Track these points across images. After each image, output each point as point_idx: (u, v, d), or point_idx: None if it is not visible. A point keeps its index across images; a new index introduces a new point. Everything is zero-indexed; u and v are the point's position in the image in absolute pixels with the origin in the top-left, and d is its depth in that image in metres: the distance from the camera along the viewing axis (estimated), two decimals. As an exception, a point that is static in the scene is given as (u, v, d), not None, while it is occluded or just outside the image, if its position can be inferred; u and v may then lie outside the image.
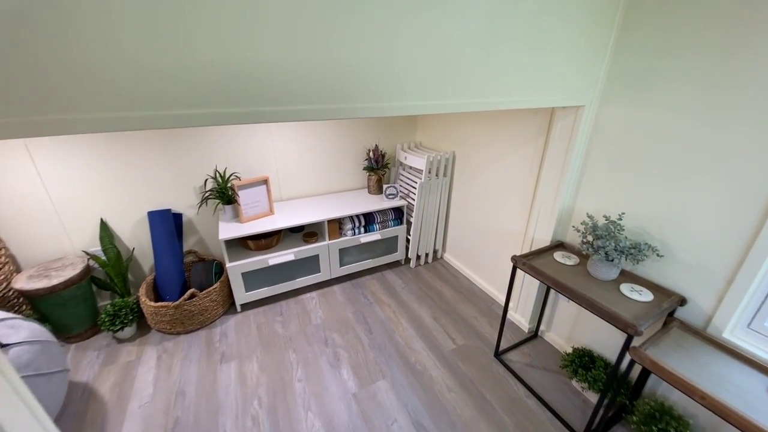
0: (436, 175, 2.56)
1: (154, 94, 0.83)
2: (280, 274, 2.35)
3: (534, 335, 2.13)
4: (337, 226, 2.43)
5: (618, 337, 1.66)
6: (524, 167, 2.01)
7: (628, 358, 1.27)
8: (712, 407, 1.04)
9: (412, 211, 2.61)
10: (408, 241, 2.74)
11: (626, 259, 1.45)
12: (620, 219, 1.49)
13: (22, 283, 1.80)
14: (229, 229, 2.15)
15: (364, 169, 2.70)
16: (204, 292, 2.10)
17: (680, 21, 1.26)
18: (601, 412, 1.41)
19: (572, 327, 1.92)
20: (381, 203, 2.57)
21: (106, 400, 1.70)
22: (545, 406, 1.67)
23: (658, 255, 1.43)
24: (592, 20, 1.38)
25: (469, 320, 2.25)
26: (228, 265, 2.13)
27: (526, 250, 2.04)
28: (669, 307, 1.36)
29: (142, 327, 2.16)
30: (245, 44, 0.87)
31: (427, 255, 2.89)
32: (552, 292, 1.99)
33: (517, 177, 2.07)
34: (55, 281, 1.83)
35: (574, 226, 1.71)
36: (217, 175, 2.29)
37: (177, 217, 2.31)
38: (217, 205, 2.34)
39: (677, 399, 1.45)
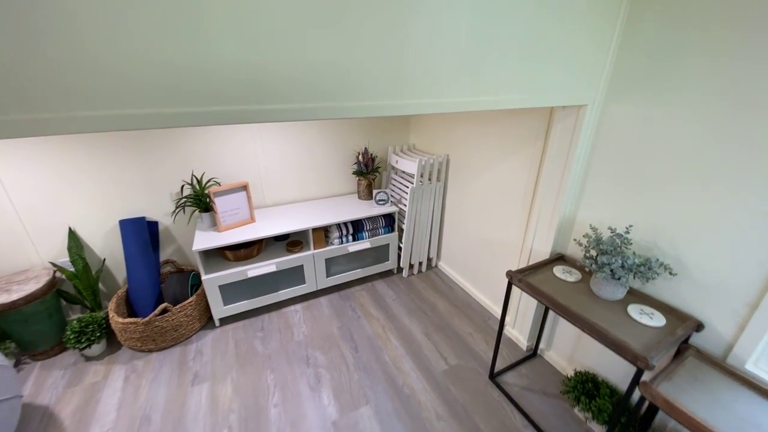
0: (429, 180, 2.40)
1: (140, 91, 0.72)
2: (261, 286, 2.21)
3: (533, 354, 1.96)
4: (323, 234, 2.28)
5: (625, 362, 1.49)
6: (522, 172, 1.85)
7: (638, 392, 1.11)
8: (740, 463, 0.88)
9: (404, 217, 2.45)
10: (400, 249, 2.59)
11: (634, 277, 1.29)
12: (627, 232, 1.33)
13: (-23, 298, 1.67)
14: (205, 239, 2.01)
15: (354, 173, 2.56)
16: (178, 306, 1.97)
17: (692, 16, 1.10)
18: (606, 451, 1.25)
19: (575, 346, 1.76)
20: (371, 209, 2.42)
21: (65, 426, 1.57)
22: (544, 437, 1.51)
23: (671, 273, 1.26)
24: (594, 13, 1.22)
25: (464, 337, 2.09)
26: (204, 277, 2.00)
27: (524, 262, 1.87)
28: (684, 334, 1.19)
29: (114, 343, 2.03)
30: (227, 39, 0.73)
31: (420, 264, 2.73)
32: (552, 308, 1.83)
33: (515, 182, 1.91)
34: (15, 296, 1.70)
35: (575, 240, 1.54)
36: (194, 180, 2.16)
37: (152, 226, 2.18)
38: (193, 212, 2.20)
39: (693, 436, 1.28)
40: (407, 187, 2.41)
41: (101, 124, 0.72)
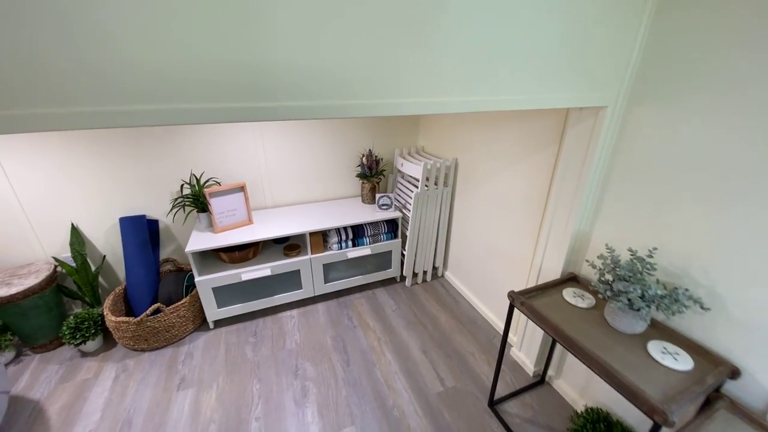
0: (435, 185, 2.26)
1: (150, 86, 0.70)
2: (257, 289, 2.15)
3: (540, 381, 1.78)
4: (321, 238, 2.20)
5: (644, 404, 1.29)
6: (533, 180, 1.68)
7: (654, 450, 0.93)
8: None
9: (408, 223, 2.32)
10: (403, 256, 2.46)
11: (657, 309, 1.10)
12: (651, 255, 1.14)
13: (-21, 291, 1.72)
14: (200, 240, 1.97)
15: (357, 176, 2.45)
16: (171, 307, 1.94)
17: (735, 7, 0.90)
18: None
19: (588, 377, 1.56)
20: (373, 214, 2.31)
21: (51, 423, 1.57)
22: (545, 481, 1.34)
23: (702, 308, 1.07)
24: (617, -5, 1.05)
25: (465, 356, 1.93)
26: (197, 278, 1.96)
27: (532, 280, 1.70)
28: (715, 382, 1.00)
29: (110, 340, 2.04)
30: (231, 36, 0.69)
31: (425, 273, 2.59)
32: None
33: (525, 191, 1.74)
34: (14, 290, 1.73)
35: (588, 261, 1.35)
36: (193, 179, 2.13)
37: (153, 224, 2.18)
38: (189, 212, 2.18)
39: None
40: (413, 192, 2.27)
41: (131, 119, 0.71)
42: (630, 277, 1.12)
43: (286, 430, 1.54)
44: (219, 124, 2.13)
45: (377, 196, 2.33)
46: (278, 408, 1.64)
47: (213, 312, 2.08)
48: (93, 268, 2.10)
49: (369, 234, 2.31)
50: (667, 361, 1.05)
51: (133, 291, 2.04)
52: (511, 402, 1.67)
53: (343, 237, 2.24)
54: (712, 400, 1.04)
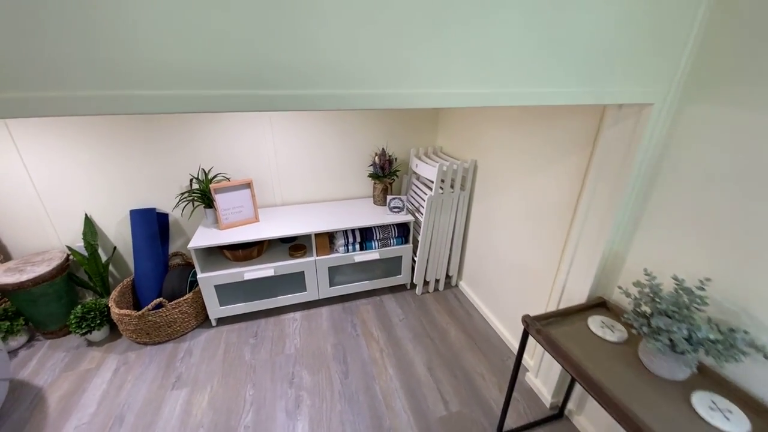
0: (452, 188, 2.09)
1: (164, 70, 0.63)
2: (260, 289, 2.09)
3: (558, 414, 1.58)
4: (327, 240, 2.10)
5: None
6: (561, 187, 1.48)
7: None
8: None
9: (420, 228, 2.17)
10: (414, 263, 2.31)
11: (707, 354, 0.89)
12: (702, 288, 0.93)
13: (-6, 276, 1.77)
14: (204, 236, 1.94)
15: (369, 176, 2.33)
16: (173, 302, 1.92)
17: None
18: None
19: (613, 419, 1.35)
20: (384, 217, 2.18)
21: (50, 412, 1.58)
22: None
23: (766, 356, 0.85)
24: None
25: (474, 377, 1.77)
26: (200, 275, 1.93)
27: (554, 302, 1.50)
28: (784, 456, 0.79)
29: (116, 331, 2.06)
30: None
31: (437, 281, 2.43)
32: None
33: (551, 199, 1.54)
34: (24, 277, 1.77)
35: (621, 288, 1.15)
36: (201, 174, 2.10)
37: (162, 217, 2.18)
38: (195, 208, 2.15)
39: None
40: (426, 195, 2.12)
41: (145, 105, 0.64)
42: (674, 312, 0.92)
43: (274, 443, 1.45)
44: (231, 118, 2.09)
45: (388, 198, 2.20)
46: (269, 418, 1.56)
47: (215, 310, 2.04)
48: (104, 259, 2.12)
49: (378, 237, 2.18)
50: (717, 420, 0.85)
51: (140, 283, 2.05)
52: (522, 436, 1.49)
53: (351, 239, 2.13)
54: (776, 475, 0.83)
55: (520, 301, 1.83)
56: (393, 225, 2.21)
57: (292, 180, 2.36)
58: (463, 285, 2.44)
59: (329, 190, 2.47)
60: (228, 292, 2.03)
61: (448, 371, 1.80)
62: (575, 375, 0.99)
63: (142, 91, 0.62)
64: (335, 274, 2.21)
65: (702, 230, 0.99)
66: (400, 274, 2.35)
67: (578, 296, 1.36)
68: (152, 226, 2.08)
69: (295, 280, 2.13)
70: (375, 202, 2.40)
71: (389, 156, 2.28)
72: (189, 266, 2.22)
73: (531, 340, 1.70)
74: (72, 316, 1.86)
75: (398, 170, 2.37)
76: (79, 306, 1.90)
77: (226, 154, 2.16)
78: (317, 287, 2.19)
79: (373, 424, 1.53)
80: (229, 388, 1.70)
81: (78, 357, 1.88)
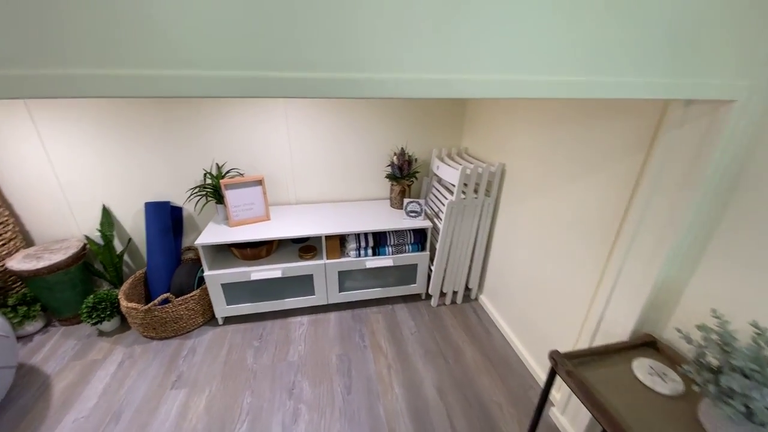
0: (475, 194, 1.91)
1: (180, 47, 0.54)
2: (267, 290, 2.02)
3: (587, 461, 1.36)
4: (338, 243, 1.99)
5: None
6: (604, 199, 1.26)
7: None
8: None
9: (439, 235, 2.01)
10: (431, 272, 2.15)
11: (801, 430, 0.67)
12: (797, 342, 0.71)
13: (14, 261, 1.81)
14: (213, 233, 1.89)
15: (387, 177, 2.19)
16: (180, 298, 1.89)
17: None
18: None
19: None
20: (400, 221, 2.03)
21: (53, 401, 1.58)
22: None
23: None
24: None
25: (489, 407, 1.58)
26: (207, 273, 1.88)
27: (587, 334, 1.29)
28: None
29: (127, 323, 2.06)
30: None
31: (455, 293, 2.25)
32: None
33: (591, 212, 1.33)
34: (41, 264, 1.80)
35: (680, 332, 0.92)
36: (215, 168, 2.06)
37: (176, 211, 2.16)
38: (207, 203, 2.11)
39: None
40: (446, 200, 1.95)
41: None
42: (754, 372, 0.71)
43: (265, 461, 1.35)
44: (246, 112, 2.03)
45: (405, 201, 2.05)
46: (263, 431, 1.46)
47: (221, 308, 1.99)
48: (119, 250, 2.14)
49: (392, 243, 2.04)
50: None
51: (152, 277, 2.04)
52: (542, 483, 1.29)
53: (363, 244, 2.00)
54: None
55: (548, 325, 1.62)
56: (409, 230, 2.06)
57: (306, 178, 2.27)
58: (484, 299, 2.24)
59: (344, 190, 2.36)
60: (235, 291, 1.97)
61: (461, 396, 1.63)
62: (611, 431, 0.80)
63: (163, 71, 0.53)
64: (346, 279, 2.09)
65: (798, 265, 0.76)
66: (415, 283, 2.19)
67: (619, 330, 1.14)
68: (165, 219, 2.07)
69: (304, 283, 2.04)
70: (391, 205, 2.26)
71: (409, 156, 2.12)
72: (199, 262, 2.19)
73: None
74: (84, 306, 1.88)
75: (418, 172, 2.21)
76: (91, 296, 1.91)
77: (240, 149, 2.11)
78: (326, 292, 2.08)
79: (373, 450, 1.39)
80: (228, 394, 1.63)
81: (88, 346, 1.90)
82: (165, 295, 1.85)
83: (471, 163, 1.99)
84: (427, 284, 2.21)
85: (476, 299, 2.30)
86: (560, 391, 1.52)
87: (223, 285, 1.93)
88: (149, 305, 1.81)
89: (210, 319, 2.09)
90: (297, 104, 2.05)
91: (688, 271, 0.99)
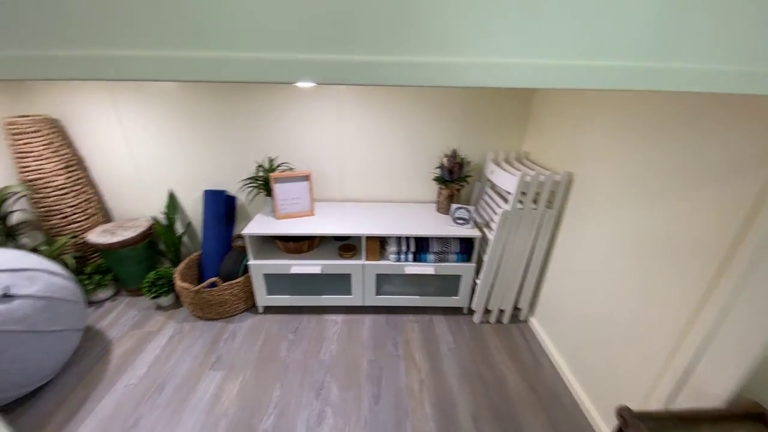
0: (534, 204, 1.71)
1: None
2: (306, 285, 2.02)
3: None
4: (378, 245, 1.92)
5: None
6: (704, 223, 1.02)
7: None
8: None
9: (488, 246, 1.84)
10: (476, 285, 1.98)
11: None
12: None
13: (93, 235, 2.03)
14: (260, 224, 1.94)
15: (435, 179, 2.07)
16: (226, 283, 1.97)
17: None
18: None
19: None
20: (445, 228, 1.90)
21: (110, 366, 1.74)
22: None
23: None
24: None
25: (531, 446, 1.39)
26: (251, 262, 1.93)
27: (668, 385, 1.05)
28: None
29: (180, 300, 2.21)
30: None
31: (502, 312, 2.05)
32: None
33: (684, 238, 1.08)
34: (114, 239, 2.00)
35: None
36: (267, 162, 2.11)
37: (231, 200, 2.27)
38: (257, 194, 2.17)
39: None
40: (500, 209, 1.77)
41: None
42: None
43: (286, 460, 1.33)
44: (302, 108, 2.05)
45: (453, 206, 1.91)
46: (288, 428, 1.44)
47: (262, 297, 2.04)
48: (180, 232, 2.30)
49: (435, 251, 1.91)
50: None
51: (205, 260, 2.16)
52: None
53: (404, 248, 1.91)
54: None
55: (613, 365, 1.37)
56: (455, 238, 1.91)
57: (352, 176, 2.24)
58: (535, 323, 2.01)
59: (389, 190, 2.28)
60: (276, 282, 2.01)
61: (499, 428, 1.45)
62: None
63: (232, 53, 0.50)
64: (384, 282, 2.01)
65: None
66: (457, 295, 2.04)
67: (714, 392, 0.90)
68: (220, 207, 2.18)
69: (342, 282, 2.01)
70: (438, 210, 2.13)
71: (461, 158, 1.98)
72: (246, 250, 2.28)
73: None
74: (145, 280, 2.05)
75: (469, 176, 2.05)
76: (153, 272, 2.08)
77: (292, 144, 2.14)
78: (363, 293, 2.03)
79: (396, 471, 1.30)
80: (259, 383, 1.65)
81: (145, 318, 2.07)
82: (213, 279, 1.94)
83: (532, 169, 1.78)
84: (471, 298, 2.04)
85: (526, 321, 2.07)
86: (623, 446, 1.28)
87: (265, 275, 1.97)
88: (198, 287, 1.91)
89: (251, 307, 2.15)
90: (350, 101, 2.02)
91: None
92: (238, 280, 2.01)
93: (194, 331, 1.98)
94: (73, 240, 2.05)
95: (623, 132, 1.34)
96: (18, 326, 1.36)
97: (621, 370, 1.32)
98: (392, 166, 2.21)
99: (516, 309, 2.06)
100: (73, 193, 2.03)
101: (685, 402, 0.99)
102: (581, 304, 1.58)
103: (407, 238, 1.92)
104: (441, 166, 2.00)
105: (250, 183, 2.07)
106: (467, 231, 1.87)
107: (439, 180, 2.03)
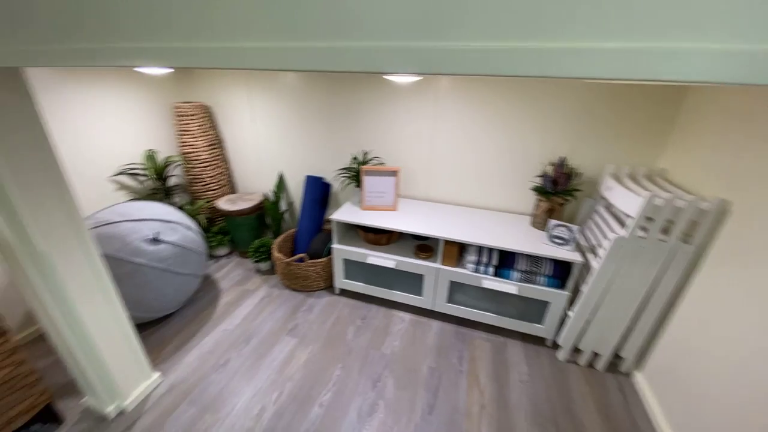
0: (665, 234, 1.36)
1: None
2: (380, 276, 2.07)
3: None
4: (456, 251, 1.82)
5: None
6: None
7: None
8: None
9: (591, 275, 1.55)
10: (567, 317, 1.70)
11: None
12: None
13: (221, 202, 2.47)
14: (346, 212, 2.05)
15: (534, 189, 1.84)
16: (311, 261, 2.16)
17: None
18: None
19: None
20: (538, 245, 1.68)
21: (216, 312, 2.10)
22: None
23: None
24: None
25: None
26: (334, 245, 2.07)
27: None
28: None
29: (274, 269, 2.53)
30: None
31: (596, 356, 1.71)
32: None
33: None
34: (234, 208, 2.39)
35: None
36: (362, 155, 2.21)
37: (326, 186, 2.46)
38: (349, 184, 2.29)
39: None
40: (613, 233, 1.47)
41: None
42: None
43: (334, 439, 1.39)
44: (401, 106, 2.08)
45: (552, 222, 1.67)
46: (341, 409, 1.51)
47: (340, 280, 2.17)
48: (282, 209, 2.62)
49: (522, 268, 1.71)
50: None
51: (299, 237, 2.41)
52: None
53: (484, 259, 1.76)
54: None
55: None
56: (548, 259, 1.67)
57: (440, 176, 2.17)
58: (641, 380, 1.62)
59: (477, 195, 2.13)
60: (353, 268, 2.11)
61: (569, 492, 1.22)
62: None
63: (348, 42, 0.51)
64: (457, 290, 1.90)
65: None
66: (542, 323, 1.79)
67: None
68: (317, 191, 2.39)
69: (414, 281, 1.98)
70: (533, 224, 1.89)
71: (570, 169, 1.70)
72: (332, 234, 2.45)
73: None
74: (251, 247, 2.40)
75: (578, 190, 1.76)
76: (258, 240, 2.42)
77: (387, 139, 2.19)
78: (434, 297, 1.96)
79: (437, 492, 1.22)
80: (325, 358, 1.76)
81: (247, 277, 2.43)
82: (301, 255, 2.15)
83: (666, 190, 1.42)
84: (558, 330, 1.77)
85: (628, 375, 1.69)
86: None
87: (344, 260, 2.09)
88: (289, 260, 2.14)
89: (329, 286, 2.31)
90: (448, 99, 1.95)
91: None
92: (321, 259, 2.18)
93: (281, 297, 2.23)
94: (208, 204, 2.53)
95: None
96: (161, 264, 1.75)
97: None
98: (485, 169, 2.05)
99: (617, 357, 1.69)
100: (212, 167, 2.50)
101: None
102: (718, 368, 1.19)
103: (490, 250, 1.76)
104: (543, 175, 1.76)
105: (344, 173, 2.20)
106: (565, 253, 1.61)
107: (540, 190, 1.79)
